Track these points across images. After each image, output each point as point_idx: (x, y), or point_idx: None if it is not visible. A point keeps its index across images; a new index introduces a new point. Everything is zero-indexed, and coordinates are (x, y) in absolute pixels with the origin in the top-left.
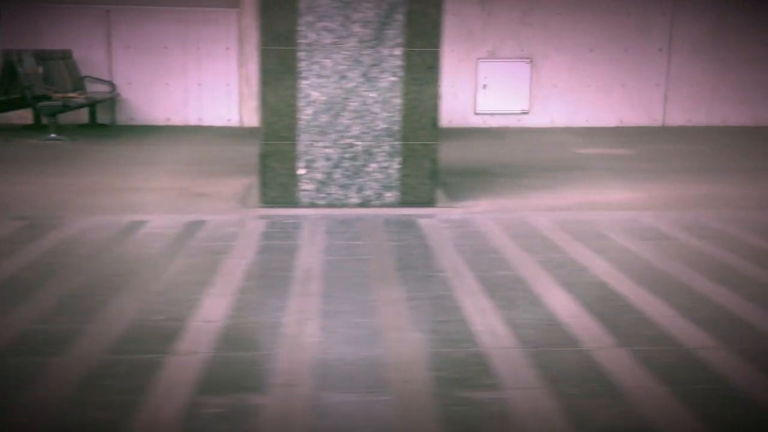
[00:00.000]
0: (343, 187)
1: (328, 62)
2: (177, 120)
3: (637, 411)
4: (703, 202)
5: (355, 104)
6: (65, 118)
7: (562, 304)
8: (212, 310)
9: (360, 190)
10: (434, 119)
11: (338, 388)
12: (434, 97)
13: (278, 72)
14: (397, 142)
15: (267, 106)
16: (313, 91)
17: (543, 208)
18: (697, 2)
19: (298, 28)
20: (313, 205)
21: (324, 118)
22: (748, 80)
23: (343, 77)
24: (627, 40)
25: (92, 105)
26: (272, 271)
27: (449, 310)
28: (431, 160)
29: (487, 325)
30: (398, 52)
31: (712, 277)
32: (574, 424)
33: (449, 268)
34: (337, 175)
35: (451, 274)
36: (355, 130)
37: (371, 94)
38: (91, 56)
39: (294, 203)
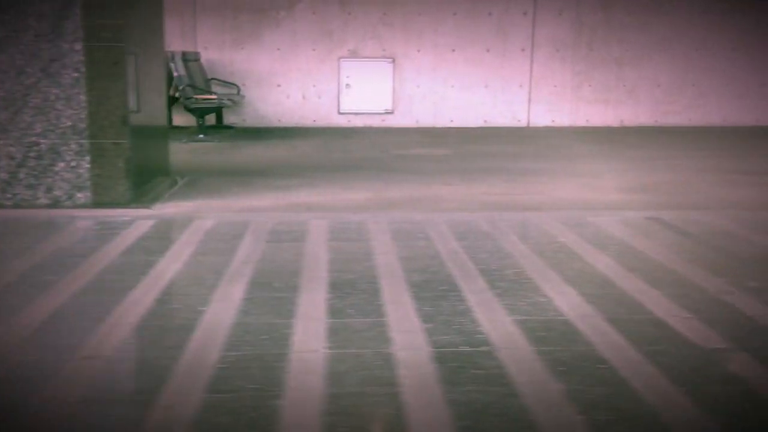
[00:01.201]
0: (30, 187)
1: (3, 57)
2: None
3: None
4: (407, 203)
5: (36, 101)
6: None
7: (39, 311)
8: None
9: (49, 190)
10: (124, 117)
11: None
12: (122, 94)
13: None
14: (85, 141)
15: None
16: None
17: (237, 209)
18: (556, 1)
19: None
20: None
21: (4, 115)
22: (611, 80)
23: (22, 72)
24: (489, 41)
25: None
26: None
27: None
28: (125, 160)
29: None
30: (79, 47)
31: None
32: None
33: None
34: (23, 174)
35: None
36: (39, 127)
37: (54, 91)
38: None
39: None
